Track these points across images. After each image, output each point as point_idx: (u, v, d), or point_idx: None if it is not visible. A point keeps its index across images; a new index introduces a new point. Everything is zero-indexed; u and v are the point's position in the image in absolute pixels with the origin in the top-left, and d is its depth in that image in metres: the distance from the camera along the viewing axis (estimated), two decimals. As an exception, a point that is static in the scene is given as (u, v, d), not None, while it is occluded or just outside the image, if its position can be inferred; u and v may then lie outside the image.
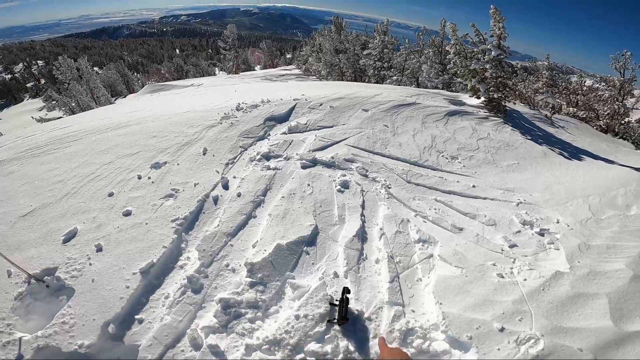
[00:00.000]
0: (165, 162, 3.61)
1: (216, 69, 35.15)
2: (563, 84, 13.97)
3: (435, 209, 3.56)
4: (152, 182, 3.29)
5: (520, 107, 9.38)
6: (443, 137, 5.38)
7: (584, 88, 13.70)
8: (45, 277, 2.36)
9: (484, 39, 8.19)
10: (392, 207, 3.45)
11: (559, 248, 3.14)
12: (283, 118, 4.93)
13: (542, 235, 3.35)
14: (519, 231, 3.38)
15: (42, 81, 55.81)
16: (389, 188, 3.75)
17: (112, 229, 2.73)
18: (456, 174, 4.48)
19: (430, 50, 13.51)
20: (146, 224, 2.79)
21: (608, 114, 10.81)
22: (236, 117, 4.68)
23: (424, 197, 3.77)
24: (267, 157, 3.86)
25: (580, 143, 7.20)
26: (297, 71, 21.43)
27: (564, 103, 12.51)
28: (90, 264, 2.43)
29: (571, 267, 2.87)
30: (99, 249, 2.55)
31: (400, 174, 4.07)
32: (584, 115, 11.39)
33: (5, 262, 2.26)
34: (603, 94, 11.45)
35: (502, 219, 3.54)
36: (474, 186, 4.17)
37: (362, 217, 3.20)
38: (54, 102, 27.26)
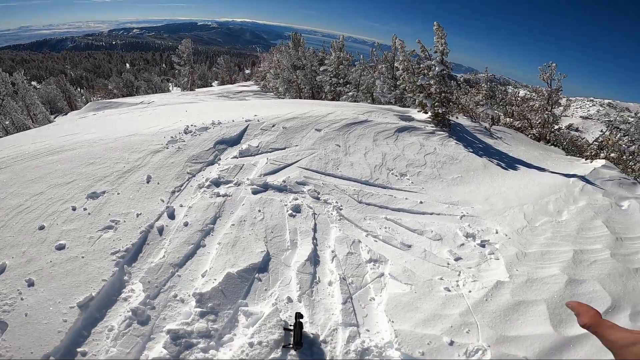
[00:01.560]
0: (103, 192, 3.38)
1: (170, 84, 33.87)
2: (500, 95, 15.29)
3: (385, 227, 3.68)
4: (89, 214, 3.08)
5: (463, 120, 10.12)
6: (393, 154, 5.61)
7: (518, 99, 15.12)
8: None
9: (429, 55, 8.77)
10: (344, 229, 3.52)
11: (498, 258, 3.34)
12: (234, 141, 4.86)
13: (484, 246, 3.55)
14: (463, 244, 3.57)
15: None
16: (341, 209, 3.82)
17: (45, 264, 2.56)
18: (405, 190, 4.68)
19: (383, 65, 14.17)
20: (82, 257, 2.64)
21: (539, 122, 11.98)
22: (184, 141, 4.53)
23: (374, 216, 3.89)
24: (216, 183, 3.77)
25: (516, 152, 7.88)
26: (255, 87, 21.23)
27: (502, 114, 13.69)
28: (22, 299, 2.30)
29: (510, 276, 3.05)
30: (31, 283, 2.41)
31: (351, 194, 4.16)
32: (519, 125, 12.52)
33: None
34: (534, 104, 12.67)
35: (447, 233, 3.72)
36: (421, 202, 4.36)
37: (314, 241, 3.23)
38: (-18, 120, 24.50)
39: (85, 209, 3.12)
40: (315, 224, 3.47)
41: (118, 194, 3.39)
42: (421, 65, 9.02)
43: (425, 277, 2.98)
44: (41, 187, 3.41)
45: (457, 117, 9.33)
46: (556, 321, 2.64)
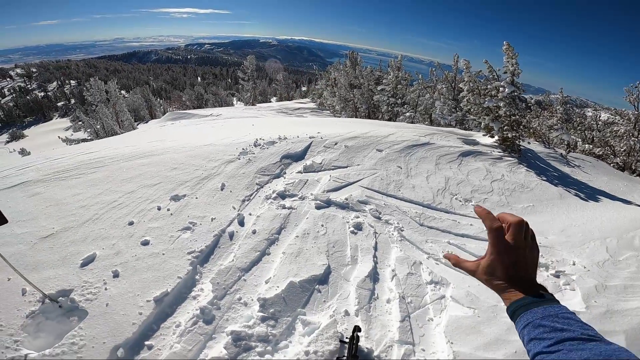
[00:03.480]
0: (184, 195, 3.73)
1: (234, 99, 36.58)
2: (578, 119, 13.86)
3: (448, 251, 3.56)
4: (171, 214, 3.39)
5: (535, 146, 9.36)
6: (457, 179, 5.39)
7: (599, 123, 13.56)
8: (60, 298, 2.41)
9: (497, 76, 8.34)
10: (405, 250, 3.46)
11: (574, 289, 3.18)
12: (299, 156, 5.05)
13: (558, 277, 3.38)
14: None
15: (72, 101, 58.60)
16: (402, 231, 3.76)
17: (130, 257, 2.82)
18: (470, 217, 4.47)
19: (444, 86, 13.75)
20: (163, 254, 2.88)
21: (624, 150, 10.62)
22: (254, 154, 4.83)
23: (436, 239, 3.77)
24: (282, 195, 3.94)
25: (597, 183, 7.11)
26: (312, 105, 21.95)
27: (579, 140, 12.39)
28: (105, 289, 2.50)
29: (588, 307, 2.91)
30: (116, 275, 2.63)
31: (413, 216, 4.08)
32: (600, 152, 11.21)
33: (20, 281, 2.35)
34: (619, 129, 11.31)
35: None
36: None
37: (375, 259, 3.22)
38: (80, 122, 28.71)
39: (168, 210, 3.44)
40: (376, 243, 3.46)
41: (196, 198, 3.71)
42: (488, 86, 8.62)
43: (490, 303, 2.85)
44: (132, 187, 3.85)
45: (528, 142, 8.67)
46: (635, 352, 2.36)
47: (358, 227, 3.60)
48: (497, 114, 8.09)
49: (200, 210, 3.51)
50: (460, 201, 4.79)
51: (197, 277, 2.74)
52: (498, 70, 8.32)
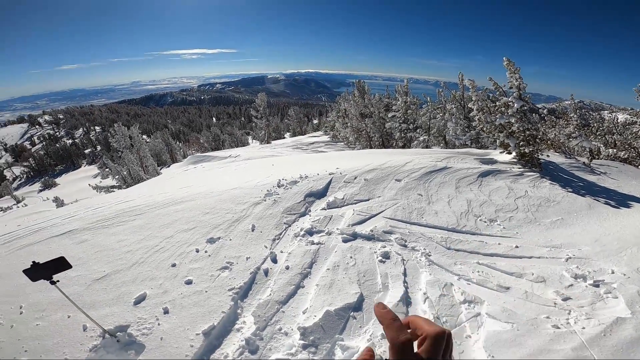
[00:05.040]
0: (219, 238, 3.97)
1: (249, 137, 37.96)
2: (595, 124, 13.56)
3: (478, 271, 3.61)
4: (209, 256, 3.64)
5: (555, 157, 9.25)
6: (479, 200, 5.43)
7: (618, 126, 13.21)
8: (118, 333, 2.65)
9: (504, 92, 8.44)
10: (434, 273, 3.53)
11: (617, 296, 3.17)
12: (321, 193, 5.25)
13: (597, 286, 3.37)
14: (571, 285, 3.42)
15: (99, 147, 61.74)
16: (429, 256, 3.83)
17: (177, 295, 3.06)
18: (497, 236, 4.50)
19: (453, 105, 13.91)
20: (206, 291, 3.11)
21: (649, 150, 10.28)
22: (278, 194, 5.07)
23: (465, 261, 3.82)
24: (310, 232, 4.12)
25: (626, 188, 6.93)
26: (325, 138, 22.35)
27: (602, 145, 12.07)
28: (159, 324, 2.74)
29: (633, 312, 2.91)
30: (166, 311, 2.87)
31: (439, 241, 4.14)
32: (625, 156, 10.89)
33: (79, 318, 2.64)
34: (638, 130, 11.00)
35: (551, 275, 3.57)
36: (517, 247, 4.17)
37: (405, 284, 3.31)
38: (107, 169, 30.34)
39: (206, 252, 3.70)
40: (405, 269, 3.54)
41: (230, 240, 3.94)
42: (497, 103, 8.71)
43: (528, 316, 2.90)
44: (171, 232, 4.15)
45: (547, 155, 8.59)
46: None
47: (386, 256, 3.70)
48: (510, 130, 8.12)
49: (235, 251, 3.73)
50: (485, 222, 4.81)
51: (238, 311, 2.93)
52: (503, 86, 8.44)
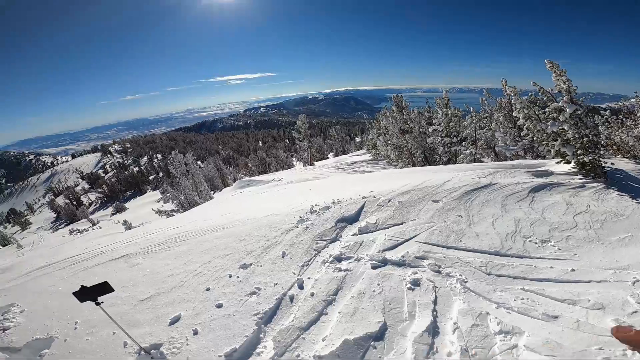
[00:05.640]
0: (251, 264, 4.14)
1: (293, 159, 39.16)
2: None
3: (522, 299, 3.26)
4: (240, 281, 3.82)
5: (623, 164, 8.13)
6: (529, 219, 4.93)
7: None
8: (152, 351, 2.93)
9: (552, 96, 7.70)
10: (469, 301, 3.26)
11: None
12: (353, 219, 5.18)
13: None
14: (636, 311, 2.97)
15: (160, 174, 68.02)
16: (465, 282, 3.55)
17: (207, 317, 3.27)
18: (549, 259, 4.03)
19: (500, 114, 13.03)
20: (233, 315, 3.26)
21: None
22: (310, 221, 5.13)
23: (507, 287, 3.47)
24: (338, 259, 4.08)
25: None
26: (367, 156, 22.04)
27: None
28: (187, 344, 2.95)
29: None
30: (196, 332, 3.08)
31: (478, 266, 3.83)
32: None
33: (123, 335, 2.98)
34: None
35: (612, 301, 3.13)
36: (573, 270, 3.70)
37: (434, 313, 3.11)
38: (168, 195, 33.31)
39: (238, 277, 3.88)
40: (435, 297, 3.33)
41: (261, 266, 4.08)
42: (546, 109, 7.95)
43: (576, 348, 2.57)
44: (209, 258, 4.45)
45: (612, 163, 7.59)
46: None
47: (415, 283, 3.52)
48: (565, 138, 7.35)
49: (264, 277, 3.85)
50: (535, 243, 4.35)
51: (261, 335, 3.00)
52: (550, 90, 7.71)
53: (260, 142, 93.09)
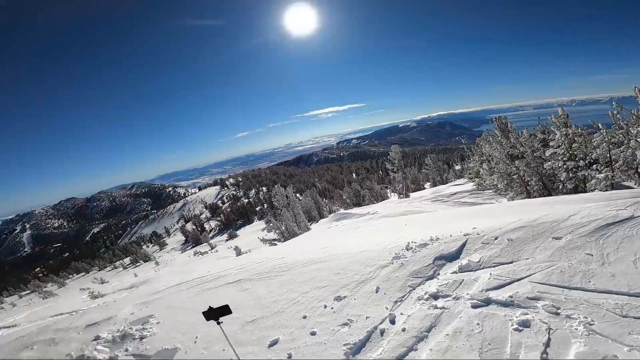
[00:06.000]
0: (345, 297, 4.38)
1: (388, 190, 38.65)
2: None
3: None
4: (334, 312, 4.08)
5: None
6: (688, 261, 3.83)
7: None
8: None
9: None
10: (592, 344, 2.77)
11: None
12: (453, 256, 4.93)
13: None
14: None
15: (265, 206, 75.55)
16: (591, 325, 3.01)
17: (301, 343, 3.60)
18: None
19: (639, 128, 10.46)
20: (325, 343, 3.51)
21: None
22: (406, 257, 5.11)
23: (647, 330, 2.81)
24: (435, 296, 3.96)
25: None
26: (470, 186, 19.94)
27: None
28: None
29: None
30: (290, 356, 3.41)
31: (611, 308, 3.19)
32: None
33: (230, 352, 3.53)
34: None
35: None
36: None
37: (544, 355, 2.74)
38: (271, 225, 36.74)
39: (332, 308, 4.15)
40: (548, 339, 2.90)
41: (355, 299, 4.28)
42: None
43: None
44: (307, 288, 4.88)
45: None
46: None
47: (524, 324, 3.13)
48: None
49: (357, 310, 4.02)
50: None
51: None
52: None
53: (353, 174, 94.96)
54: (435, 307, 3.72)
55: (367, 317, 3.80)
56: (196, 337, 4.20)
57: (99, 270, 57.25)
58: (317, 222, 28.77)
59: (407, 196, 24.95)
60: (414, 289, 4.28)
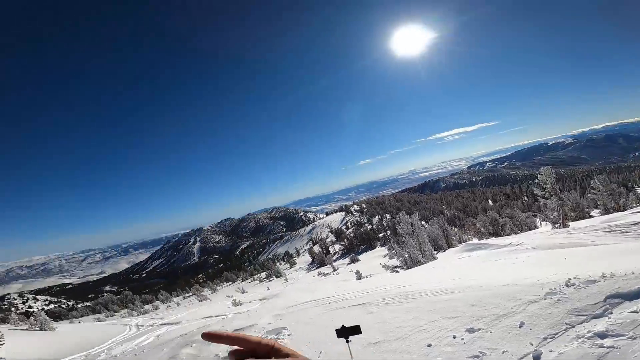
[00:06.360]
0: (479, 329, 4.08)
1: (536, 219, 32.21)
2: None
3: None
4: (464, 343, 3.86)
5: None
6: None
7: None
8: None
9: None
10: None
11: None
12: (634, 295, 4.03)
13: None
14: None
15: (388, 232, 74.26)
16: None
17: None
18: None
19: None
20: None
21: None
22: (565, 294, 4.42)
23: None
24: (601, 335, 3.37)
25: None
26: None
27: None
28: None
29: None
30: None
31: None
32: None
33: None
34: None
35: None
36: None
37: None
38: (393, 251, 35.80)
39: (462, 339, 3.94)
40: None
41: (490, 332, 3.95)
42: None
43: None
44: (435, 317, 4.76)
45: None
46: None
47: None
48: None
49: (492, 343, 3.73)
50: None
51: None
52: None
53: (489, 201, 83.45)
54: (600, 346, 3.16)
55: (503, 352, 3.50)
56: (320, 352, 4.55)
57: (242, 281, 67.72)
58: (444, 251, 26.46)
59: (564, 226, 20.17)
60: (573, 326, 3.68)
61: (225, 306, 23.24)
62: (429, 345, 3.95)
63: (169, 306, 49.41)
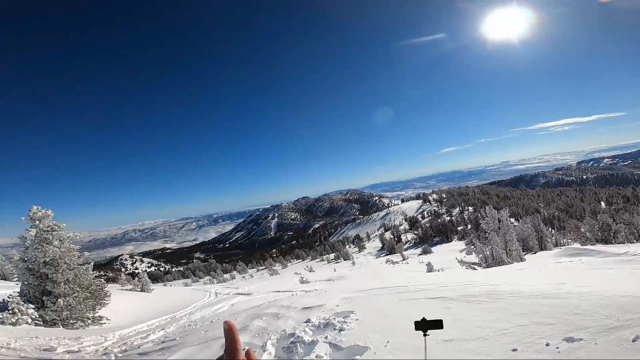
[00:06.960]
0: (580, 339, 3.69)
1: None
2: None
3: None
4: (559, 352, 3.49)
5: None
6: None
7: None
8: None
9: None
10: None
11: None
12: None
13: None
14: None
15: (469, 226, 68.66)
16: None
17: None
18: None
19: None
20: None
21: None
22: None
23: None
24: None
25: None
26: None
27: None
28: None
29: None
30: None
31: None
32: None
33: None
34: None
35: None
36: None
37: None
38: (472, 247, 33.22)
39: (557, 348, 3.57)
40: None
41: (595, 344, 3.53)
42: None
43: None
44: (525, 321, 4.36)
45: None
46: None
47: None
48: None
49: (594, 355, 3.34)
50: None
51: None
52: None
53: (602, 203, 69.87)
54: None
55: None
56: (387, 341, 4.36)
57: (311, 260, 70.70)
58: (535, 253, 23.49)
59: None
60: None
61: (293, 283, 24.59)
62: (514, 350, 3.67)
63: (244, 277, 53.27)
